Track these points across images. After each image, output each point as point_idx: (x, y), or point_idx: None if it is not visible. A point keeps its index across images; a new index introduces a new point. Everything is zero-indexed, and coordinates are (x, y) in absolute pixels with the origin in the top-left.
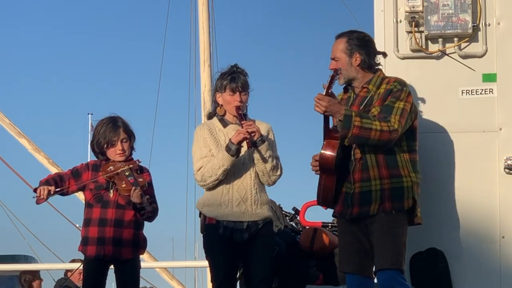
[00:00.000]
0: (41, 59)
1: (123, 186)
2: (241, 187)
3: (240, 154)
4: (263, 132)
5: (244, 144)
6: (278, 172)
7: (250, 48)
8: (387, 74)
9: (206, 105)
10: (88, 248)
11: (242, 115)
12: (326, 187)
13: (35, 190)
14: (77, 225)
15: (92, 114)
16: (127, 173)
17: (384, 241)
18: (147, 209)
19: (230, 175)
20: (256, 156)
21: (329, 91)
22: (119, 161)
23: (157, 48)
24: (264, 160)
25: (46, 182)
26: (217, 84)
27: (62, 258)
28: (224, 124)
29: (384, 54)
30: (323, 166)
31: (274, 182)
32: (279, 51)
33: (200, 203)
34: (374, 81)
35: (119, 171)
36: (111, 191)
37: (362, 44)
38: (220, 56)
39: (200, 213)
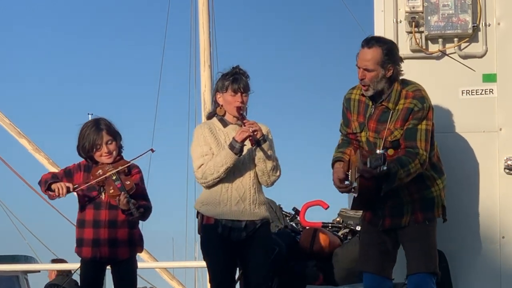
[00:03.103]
0: (41, 59)
1: (111, 191)
2: (240, 186)
3: (243, 153)
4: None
5: (247, 142)
6: (278, 173)
7: (250, 48)
8: None
9: (206, 105)
10: (83, 249)
11: (242, 116)
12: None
13: (50, 185)
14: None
15: (92, 114)
16: (113, 177)
17: (416, 245)
18: (135, 214)
19: (230, 174)
20: (258, 155)
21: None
22: (108, 164)
23: (157, 48)
24: (268, 158)
25: (53, 178)
26: (218, 85)
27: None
28: (224, 124)
29: (401, 59)
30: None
31: (272, 183)
32: (279, 52)
33: (198, 202)
34: (393, 98)
35: (107, 175)
36: (103, 193)
37: (394, 55)
38: (220, 56)
39: (198, 213)
